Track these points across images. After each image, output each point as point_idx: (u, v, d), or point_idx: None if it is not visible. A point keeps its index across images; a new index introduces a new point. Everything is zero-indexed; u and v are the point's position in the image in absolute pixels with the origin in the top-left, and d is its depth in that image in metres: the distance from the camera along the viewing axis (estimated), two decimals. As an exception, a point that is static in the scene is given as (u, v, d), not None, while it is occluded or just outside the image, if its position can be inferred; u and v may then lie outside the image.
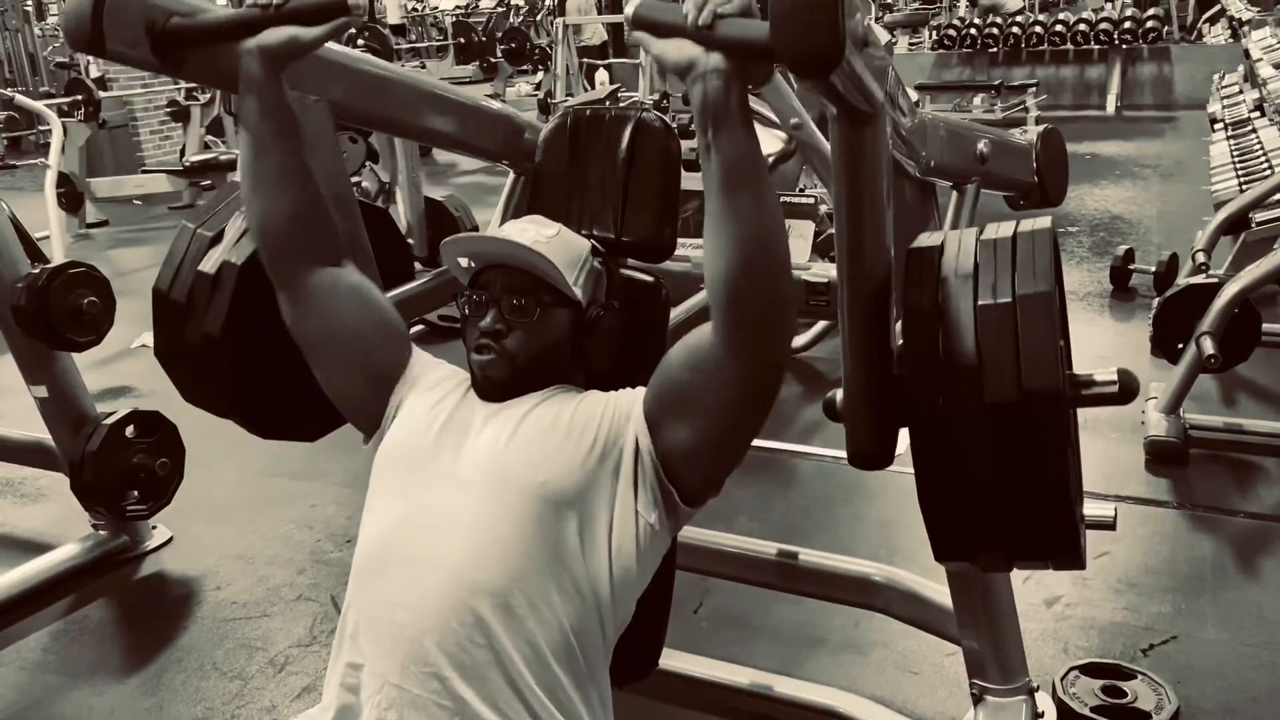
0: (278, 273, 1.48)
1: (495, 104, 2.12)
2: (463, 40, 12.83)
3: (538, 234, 1.48)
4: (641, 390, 1.41)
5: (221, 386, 1.82)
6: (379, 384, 1.50)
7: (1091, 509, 1.47)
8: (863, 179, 1.30)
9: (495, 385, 1.44)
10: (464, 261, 1.49)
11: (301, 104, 1.68)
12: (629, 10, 1.16)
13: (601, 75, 10.48)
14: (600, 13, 13.05)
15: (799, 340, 4.13)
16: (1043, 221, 1.35)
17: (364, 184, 5.78)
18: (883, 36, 7.84)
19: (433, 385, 1.49)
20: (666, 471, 1.35)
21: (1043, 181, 1.88)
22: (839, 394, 1.42)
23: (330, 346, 1.50)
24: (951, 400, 1.27)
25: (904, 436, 1.40)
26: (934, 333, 1.28)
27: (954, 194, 1.79)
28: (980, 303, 1.27)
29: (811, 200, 3.20)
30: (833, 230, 3.84)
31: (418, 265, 5.05)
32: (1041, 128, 1.93)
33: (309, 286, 1.47)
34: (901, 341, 1.34)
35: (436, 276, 2.21)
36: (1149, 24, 10.63)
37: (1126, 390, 1.32)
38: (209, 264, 1.80)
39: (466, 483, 1.35)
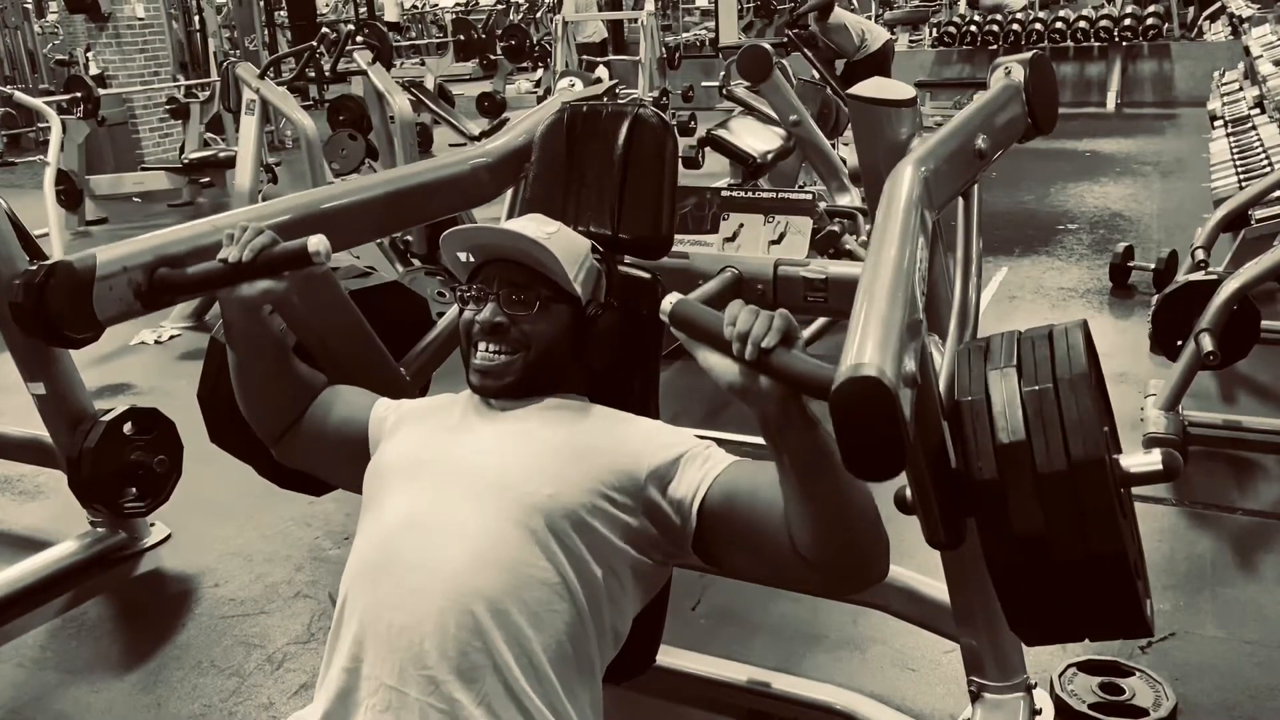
0: (264, 438, 1.63)
1: (457, 156, 2.13)
2: (462, 37, 12.82)
3: (538, 230, 1.47)
4: (685, 448, 1.36)
5: (272, 465, 1.89)
6: (362, 455, 1.54)
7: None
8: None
9: (496, 380, 1.43)
10: (463, 256, 1.49)
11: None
12: (667, 307, 1.15)
13: (601, 72, 10.48)
14: (600, 10, 13.04)
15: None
16: (1078, 363, 1.37)
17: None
18: (882, 36, 7.85)
19: (422, 412, 1.53)
20: (698, 547, 1.34)
21: (1034, 118, 1.88)
22: (908, 491, 1.46)
23: (321, 465, 1.65)
24: (1025, 557, 1.35)
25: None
26: (1004, 506, 1.34)
27: (960, 200, 1.78)
28: (1039, 471, 1.32)
29: (810, 196, 3.20)
30: (832, 227, 3.82)
31: (417, 263, 5.08)
32: (1030, 55, 1.89)
33: (288, 438, 1.61)
34: (967, 491, 1.39)
35: (450, 324, 2.23)
36: (1149, 21, 10.63)
37: (1170, 470, 1.38)
38: None
39: (470, 488, 1.35)
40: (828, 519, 1.18)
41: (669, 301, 1.15)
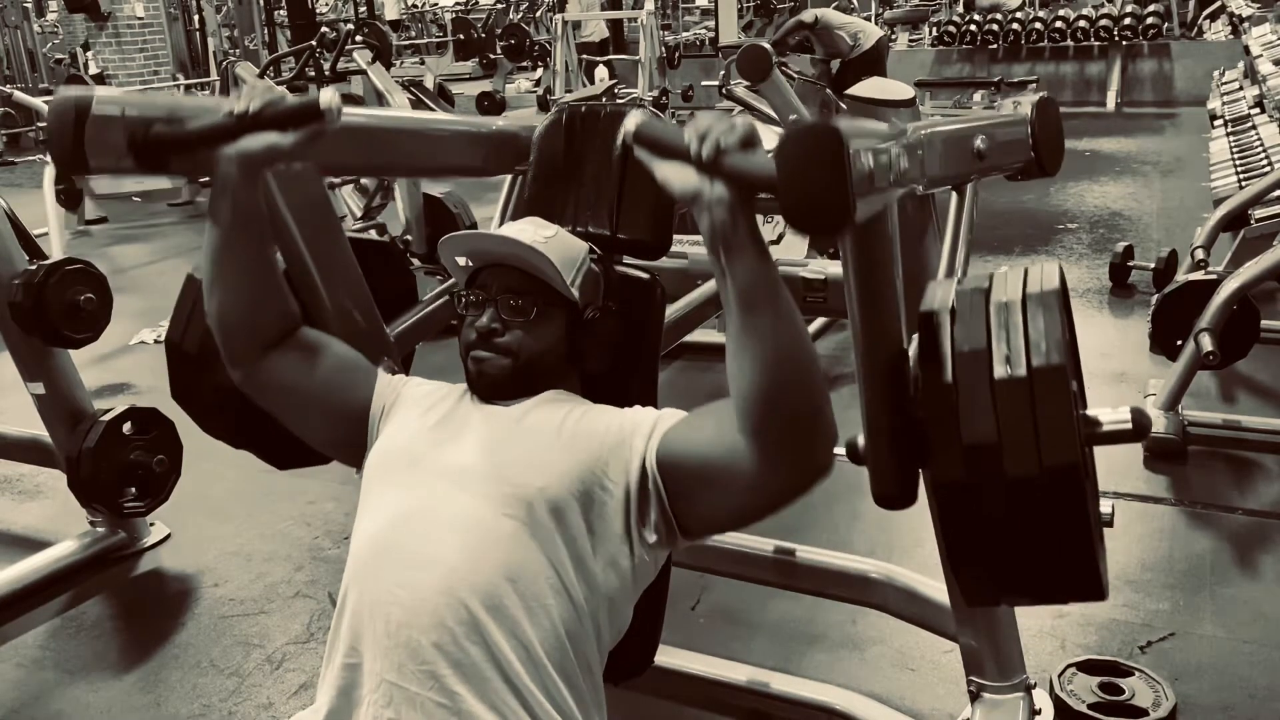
0: (231, 356, 1.51)
1: (480, 120, 2.12)
2: (462, 36, 12.82)
3: (536, 234, 1.48)
4: (655, 417, 1.38)
5: (236, 426, 1.86)
6: (351, 421, 1.51)
7: (1090, 507, 1.48)
8: (873, 266, 1.33)
9: (492, 385, 1.44)
10: (461, 260, 1.50)
11: (288, 173, 1.69)
12: (629, 126, 1.15)
13: (601, 71, 10.47)
14: (602, 9, 13.03)
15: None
16: (1051, 280, 1.35)
17: (362, 180, 5.77)
18: (875, 34, 7.90)
19: (420, 399, 1.51)
20: (674, 512, 1.34)
21: (1039, 155, 1.88)
22: (860, 439, 1.44)
23: (290, 409, 1.54)
24: (973, 474, 1.30)
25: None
26: (953, 411, 1.30)
27: (954, 195, 1.79)
28: (996, 378, 1.28)
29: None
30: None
31: (416, 263, 5.09)
32: (1037, 97, 1.91)
33: (261, 365, 1.50)
34: (920, 400, 1.36)
35: (438, 297, 2.22)
36: (1149, 20, 10.63)
37: (1139, 428, 1.34)
38: None
39: (463, 482, 1.35)
40: (768, 365, 1.16)
41: (632, 120, 1.14)
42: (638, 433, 1.36)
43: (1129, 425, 1.34)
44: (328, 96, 1.33)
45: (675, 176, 1.11)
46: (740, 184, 1.07)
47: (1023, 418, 1.26)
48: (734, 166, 1.06)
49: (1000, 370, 1.28)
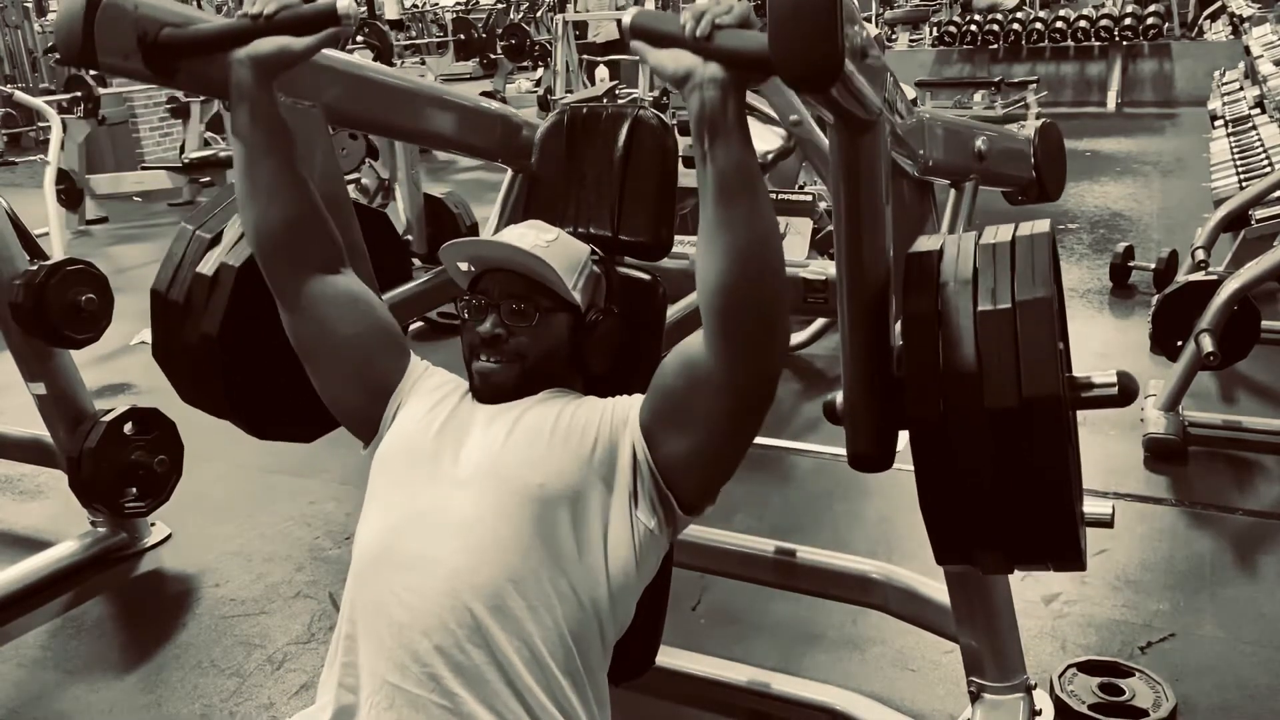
0: (274, 280, 1.49)
1: (491, 103, 2.14)
2: (462, 36, 12.82)
3: (537, 239, 1.48)
4: (639, 398, 1.41)
5: (218, 388, 1.83)
6: (376, 391, 1.50)
7: (1090, 506, 1.47)
8: (861, 185, 1.31)
9: (494, 389, 1.45)
10: (463, 266, 1.50)
11: (294, 111, 1.68)
12: (627, 19, 1.16)
13: (602, 72, 10.47)
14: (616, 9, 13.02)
15: (798, 337, 4.14)
16: (1041, 225, 1.35)
17: (363, 180, 5.77)
18: (870, 31, 7.94)
19: (431, 390, 1.50)
20: (665, 480, 1.36)
21: (1041, 177, 1.89)
22: (839, 396, 1.43)
23: (328, 355, 1.50)
24: (951, 406, 1.28)
25: (903, 435, 1.40)
26: (933, 339, 1.28)
27: (952, 192, 1.80)
28: (980, 309, 1.27)
29: (810, 197, 3.20)
30: (831, 227, 3.84)
31: (417, 263, 5.08)
32: (1039, 122, 1.93)
33: (305, 295, 1.47)
34: (901, 344, 1.35)
35: (435, 277, 2.22)
36: (1150, 20, 10.62)
37: (1126, 392, 1.33)
38: (207, 266, 1.82)
39: (464, 483, 1.36)
40: (739, 256, 1.18)
41: (628, 15, 1.16)
42: (628, 419, 1.38)
43: (1115, 388, 1.33)
44: (345, 3, 1.31)
45: (668, 60, 1.12)
46: (733, 62, 1.08)
47: (1004, 348, 1.25)
48: (727, 44, 1.08)
49: (985, 302, 1.28)
